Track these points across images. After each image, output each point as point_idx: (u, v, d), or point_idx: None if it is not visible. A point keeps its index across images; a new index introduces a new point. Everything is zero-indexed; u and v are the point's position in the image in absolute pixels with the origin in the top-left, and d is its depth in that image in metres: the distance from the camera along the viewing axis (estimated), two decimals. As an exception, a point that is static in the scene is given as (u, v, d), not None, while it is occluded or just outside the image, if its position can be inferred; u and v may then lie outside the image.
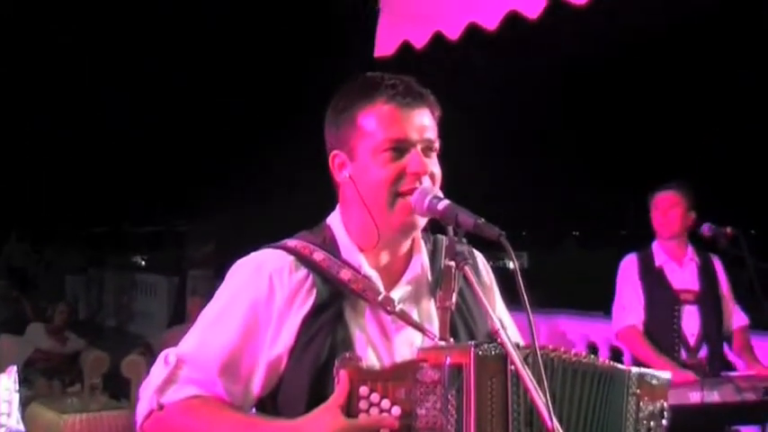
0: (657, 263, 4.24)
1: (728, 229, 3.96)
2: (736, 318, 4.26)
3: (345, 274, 1.68)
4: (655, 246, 4.29)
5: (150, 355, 7.05)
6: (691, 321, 4.10)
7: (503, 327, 1.54)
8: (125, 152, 18.75)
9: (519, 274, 1.49)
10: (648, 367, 3.96)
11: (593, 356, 1.69)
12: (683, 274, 4.21)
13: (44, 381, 7.53)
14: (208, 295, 1.81)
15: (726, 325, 4.22)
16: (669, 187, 4.25)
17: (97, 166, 19.68)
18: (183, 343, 1.70)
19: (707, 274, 4.23)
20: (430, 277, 1.78)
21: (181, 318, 9.28)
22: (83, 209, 23.09)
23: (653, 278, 4.22)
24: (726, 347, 4.27)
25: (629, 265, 4.29)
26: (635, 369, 1.75)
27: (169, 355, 1.69)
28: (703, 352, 4.06)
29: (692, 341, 4.06)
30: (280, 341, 1.65)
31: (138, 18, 14.71)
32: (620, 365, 1.72)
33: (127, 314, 15.05)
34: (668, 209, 4.22)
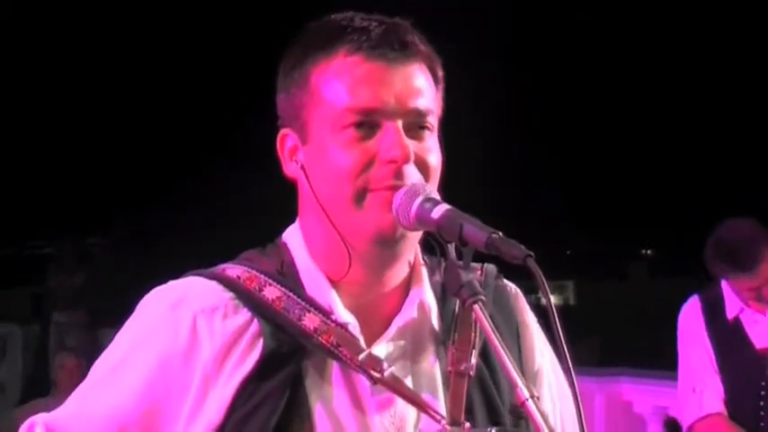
0: (731, 312, 4.25)
1: None
2: None
3: (311, 321, 1.66)
4: (725, 286, 4.27)
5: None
6: None
7: (533, 396, 1.51)
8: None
9: (555, 315, 1.48)
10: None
11: None
12: None
13: None
14: (84, 351, 1.84)
15: None
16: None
17: None
18: (61, 409, 1.72)
19: None
20: (437, 324, 1.77)
21: (44, 386, 9.23)
22: None
23: (725, 333, 4.22)
24: None
25: (690, 315, 4.32)
26: None
27: (36, 424, 1.70)
28: None
29: None
30: (203, 417, 1.65)
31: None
32: None
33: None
34: None
